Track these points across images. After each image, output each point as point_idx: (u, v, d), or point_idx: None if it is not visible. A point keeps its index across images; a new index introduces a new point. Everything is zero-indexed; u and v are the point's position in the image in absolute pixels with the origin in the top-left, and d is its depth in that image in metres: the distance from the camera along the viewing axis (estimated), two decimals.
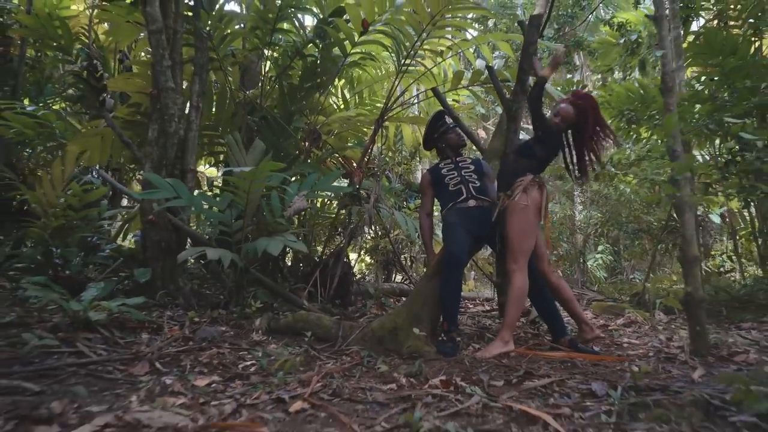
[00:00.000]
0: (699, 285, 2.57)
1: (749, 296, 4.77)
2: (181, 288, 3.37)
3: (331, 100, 6.02)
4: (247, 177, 3.07)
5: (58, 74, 6.60)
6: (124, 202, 7.36)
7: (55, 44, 4.82)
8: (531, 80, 3.57)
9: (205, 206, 3.44)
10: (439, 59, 4.46)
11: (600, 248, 10.26)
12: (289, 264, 5.08)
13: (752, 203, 5.14)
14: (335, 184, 3.89)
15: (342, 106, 5.89)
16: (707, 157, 5.96)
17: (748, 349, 2.46)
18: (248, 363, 2.31)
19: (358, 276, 7.34)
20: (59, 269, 3.53)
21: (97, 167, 5.61)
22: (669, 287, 5.74)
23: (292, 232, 3.39)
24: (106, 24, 6.18)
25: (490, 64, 3.83)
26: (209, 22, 4.35)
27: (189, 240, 3.77)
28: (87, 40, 6.06)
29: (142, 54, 5.84)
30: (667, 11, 6.02)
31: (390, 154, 7.38)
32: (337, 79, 5.80)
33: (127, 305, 2.64)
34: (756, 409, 1.41)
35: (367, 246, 8.19)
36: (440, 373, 2.15)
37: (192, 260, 4.51)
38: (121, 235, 4.78)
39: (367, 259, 8.87)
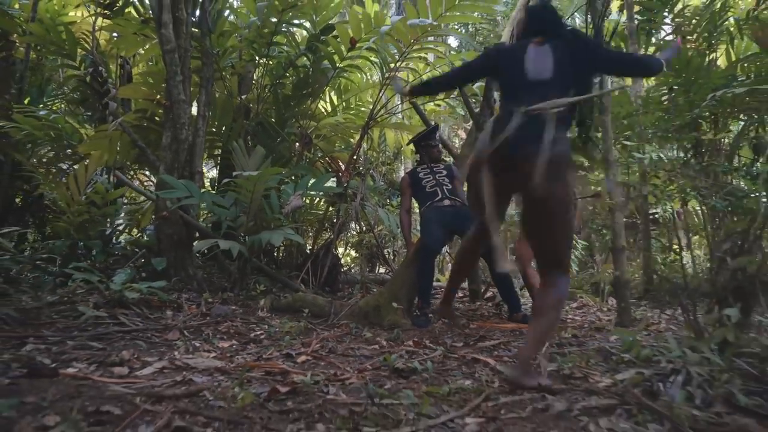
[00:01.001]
0: (625, 270, 3.16)
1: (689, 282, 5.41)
2: (192, 275, 3.88)
3: (320, 106, 6.54)
4: (253, 180, 3.59)
5: (57, 77, 6.98)
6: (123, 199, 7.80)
7: (59, 50, 5.23)
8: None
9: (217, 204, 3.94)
10: (417, 73, 5.01)
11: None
12: (282, 256, 5.58)
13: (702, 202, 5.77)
14: (327, 184, 4.40)
15: (330, 112, 6.40)
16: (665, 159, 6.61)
17: (660, 321, 3.05)
18: (258, 332, 2.84)
19: (345, 268, 7.88)
20: (82, 259, 4.01)
21: (112, 168, 6.07)
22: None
23: (289, 227, 3.92)
24: (107, 32, 6.61)
25: None
26: (210, 39, 4.84)
27: (197, 234, 4.27)
28: (89, 46, 6.46)
29: (143, 63, 6.28)
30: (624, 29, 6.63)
31: (375, 155, 7.92)
32: (326, 87, 6.33)
33: (153, 287, 3.15)
34: (635, 353, 1.98)
35: (353, 241, 8.74)
36: (414, 338, 2.70)
37: (197, 253, 5.01)
38: (128, 229, 5.26)
39: (353, 252, 9.42)
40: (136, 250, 4.24)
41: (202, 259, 4.57)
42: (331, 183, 5.38)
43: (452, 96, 4.98)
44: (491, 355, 2.30)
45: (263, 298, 3.46)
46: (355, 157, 5.13)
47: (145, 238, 4.70)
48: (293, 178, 4.88)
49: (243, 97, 5.53)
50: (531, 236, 2.06)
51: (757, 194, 4.49)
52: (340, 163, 5.60)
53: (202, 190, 4.51)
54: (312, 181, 4.13)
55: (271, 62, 5.62)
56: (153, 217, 4.43)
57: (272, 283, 4.09)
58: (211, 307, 3.26)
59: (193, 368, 1.97)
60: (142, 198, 5.55)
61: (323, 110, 6.45)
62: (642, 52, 7.26)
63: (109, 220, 4.78)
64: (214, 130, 5.27)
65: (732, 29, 6.39)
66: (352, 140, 6.09)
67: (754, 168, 4.66)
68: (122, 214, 4.62)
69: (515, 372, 1.79)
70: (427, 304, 3.27)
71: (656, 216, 7.51)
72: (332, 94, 6.43)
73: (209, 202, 3.85)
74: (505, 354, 2.30)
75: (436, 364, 2.13)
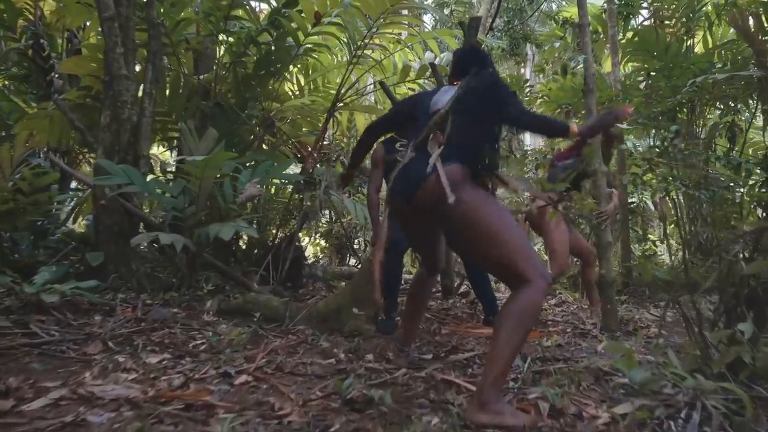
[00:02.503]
0: (611, 268, 2.88)
1: (672, 278, 5.21)
2: (134, 271, 3.46)
3: (286, 87, 6.11)
4: (199, 165, 3.18)
5: None
6: (73, 185, 7.25)
7: None
8: None
9: (159, 192, 3.52)
10: (388, 52, 4.63)
11: None
12: (244, 248, 5.18)
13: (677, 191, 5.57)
14: (288, 171, 4.01)
15: (297, 93, 5.98)
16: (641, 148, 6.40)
17: (650, 325, 2.79)
18: (198, 342, 2.46)
19: (313, 259, 7.51)
20: (8, 253, 3.55)
21: (46, 150, 5.54)
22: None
23: (243, 217, 3.53)
24: (52, 1, 6.04)
25: (434, 60, 4.04)
26: (161, 9, 4.37)
27: (142, 224, 3.85)
28: (32, 18, 5.87)
29: (93, 36, 5.74)
30: (596, 16, 6.37)
31: (345, 140, 7.53)
32: (292, 66, 5.89)
33: (80, 288, 2.74)
34: (632, 376, 1.68)
35: (323, 230, 8.36)
36: (377, 348, 2.37)
37: (145, 244, 4.57)
38: (71, 219, 4.78)
39: (323, 242, 9.05)
40: (73, 243, 3.79)
41: (150, 253, 4.14)
42: (293, 170, 5.00)
43: (426, 77, 4.61)
44: (464, 373, 1.98)
45: (210, 300, 3.08)
46: (322, 143, 4.74)
47: (80, 229, 4.24)
48: (253, 164, 4.49)
49: (202, 76, 5.08)
50: (471, 256, 2.00)
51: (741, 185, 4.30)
52: (309, 148, 5.20)
53: (150, 176, 4.09)
54: (270, 167, 3.74)
55: (230, 38, 5.17)
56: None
57: (225, 281, 3.71)
58: (149, 310, 2.87)
59: (99, 399, 1.60)
60: None
61: (290, 92, 6.03)
62: (620, 36, 7.04)
63: (55, 210, 4.32)
64: (166, 110, 4.79)
65: (710, 15, 6.20)
66: (319, 124, 5.70)
67: (731, 156, 4.46)
68: (69, 203, 4.14)
69: (469, 407, 1.49)
70: (394, 307, 2.94)
71: (632, 205, 7.32)
72: (300, 74, 6.02)
73: (153, 190, 3.43)
74: (480, 372, 1.98)
75: (399, 387, 1.80)
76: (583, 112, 5.52)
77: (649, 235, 8.44)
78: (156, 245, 4.32)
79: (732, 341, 1.62)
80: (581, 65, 8.53)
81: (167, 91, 4.82)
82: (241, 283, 3.55)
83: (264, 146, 5.36)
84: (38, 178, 3.56)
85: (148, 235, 3.11)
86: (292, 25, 4.72)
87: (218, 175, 3.62)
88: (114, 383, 1.77)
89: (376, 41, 4.69)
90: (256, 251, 4.96)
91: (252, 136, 5.19)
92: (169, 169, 5.05)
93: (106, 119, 3.69)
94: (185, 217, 3.58)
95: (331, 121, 4.69)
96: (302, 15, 4.58)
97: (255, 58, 5.06)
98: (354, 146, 2.59)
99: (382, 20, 4.18)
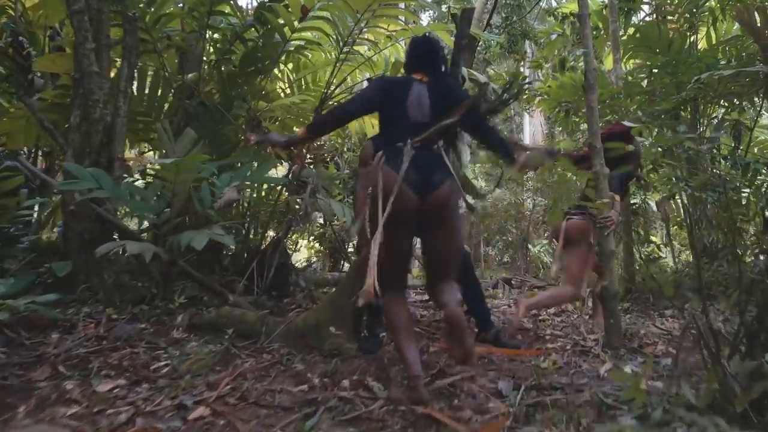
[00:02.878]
0: (614, 279, 2.65)
1: (676, 283, 5.00)
2: (106, 281, 3.24)
3: (278, 86, 5.89)
4: (171, 168, 2.96)
5: None
6: None
7: None
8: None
9: (131, 196, 3.30)
10: (378, 48, 4.41)
11: (548, 234, 10.52)
12: (231, 254, 4.97)
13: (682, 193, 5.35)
14: (274, 173, 3.79)
15: (288, 92, 5.75)
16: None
17: (657, 341, 2.57)
18: (161, 363, 2.25)
19: (305, 264, 7.29)
20: None
21: (23, 152, 5.33)
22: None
23: (224, 223, 3.31)
24: None
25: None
26: (141, 4, 4.15)
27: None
28: (13, 14, 5.66)
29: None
30: (596, 10, 6.14)
31: (339, 140, 7.31)
32: (283, 64, 5.67)
33: (37, 303, 2.51)
34: (639, 411, 1.46)
35: (316, 233, 8.14)
36: (356, 372, 2.15)
37: (120, 251, 4.37)
38: (48, 226, 4.57)
39: (317, 245, 8.82)
40: (42, 252, 3.57)
41: (126, 261, 3.92)
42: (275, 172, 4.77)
43: None
44: (449, 404, 1.76)
45: (182, 314, 2.86)
46: (311, 143, 4.52)
47: (54, 236, 4.02)
48: (239, 165, 4.27)
49: (189, 75, 4.86)
50: (446, 253, 2.09)
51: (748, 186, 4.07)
52: (304, 150, 4.98)
53: (129, 179, 3.88)
54: (251, 170, 3.52)
55: (215, 35, 4.95)
56: None
57: (202, 291, 3.49)
58: (114, 327, 2.65)
59: None
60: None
61: (281, 90, 5.81)
62: (621, 32, 6.82)
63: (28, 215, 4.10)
64: (145, 109, 4.57)
65: (715, 9, 5.99)
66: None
67: (738, 156, 4.25)
68: (28, 208, 3.91)
69: None
70: (378, 323, 2.71)
71: (634, 206, 7.08)
72: (291, 71, 5.79)
73: (124, 194, 3.22)
74: (467, 404, 1.75)
75: (373, 424, 1.58)
76: (584, 110, 5.32)
77: (652, 237, 8.23)
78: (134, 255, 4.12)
79: (756, 374, 1.40)
80: (582, 60, 8.34)
81: (146, 90, 4.60)
82: (218, 293, 3.33)
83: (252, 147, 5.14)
84: (2, 182, 3.35)
85: (114, 244, 2.90)
86: (279, 20, 4.50)
87: (195, 179, 3.42)
88: (50, 420, 1.55)
89: (370, 37, 4.47)
90: (246, 256, 4.74)
91: (238, 137, 4.97)
92: (147, 171, 4.82)
93: (75, 119, 3.47)
94: (160, 223, 3.37)
95: None
96: (288, 9, 4.36)
97: (241, 55, 4.85)
98: (319, 121, 2.51)
99: (371, 14, 3.96)
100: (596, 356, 2.41)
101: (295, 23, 4.42)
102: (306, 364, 2.26)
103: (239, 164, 4.15)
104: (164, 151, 3.45)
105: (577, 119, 5.41)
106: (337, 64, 4.44)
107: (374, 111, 2.28)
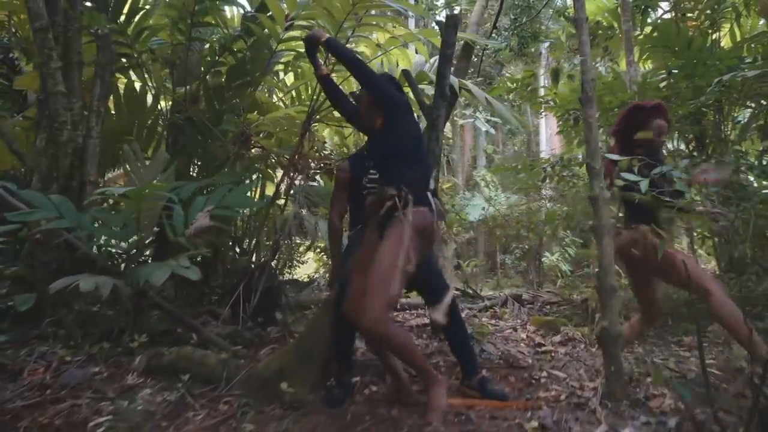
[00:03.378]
0: (616, 318, 2.34)
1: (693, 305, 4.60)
2: (67, 316, 3.05)
3: (275, 97, 5.70)
4: (133, 196, 2.76)
5: None
6: None
7: None
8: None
9: (96, 224, 3.10)
10: (367, 57, 4.15)
11: (566, 240, 10.09)
12: (223, 274, 4.76)
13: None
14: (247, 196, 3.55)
15: (288, 103, 5.55)
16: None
17: (665, 392, 2.24)
18: (102, 419, 2.02)
19: (307, 280, 7.07)
20: None
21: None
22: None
23: (192, 253, 3.09)
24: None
25: (424, 65, 3.56)
26: (120, 20, 3.99)
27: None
28: (10, 30, 5.59)
29: None
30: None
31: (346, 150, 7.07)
32: (283, 74, 5.47)
33: None
34: None
35: (322, 245, 7.90)
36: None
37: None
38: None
39: (325, 257, 8.60)
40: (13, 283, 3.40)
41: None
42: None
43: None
44: None
45: (141, 355, 2.64)
46: (299, 158, 4.29)
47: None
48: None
49: (181, 90, 4.69)
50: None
51: None
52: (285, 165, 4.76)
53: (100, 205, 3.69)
54: (227, 193, 3.30)
55: (205, 46, 4.77)
56: None
57: (174, 324, 3.26)
58: (65, 371, 2.45)
59: None
60: None
61: (282, 102, 5.61)
62: (637, 32, 6.45)
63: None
64: (124, 128, 4.39)
65: (738, 5, 5.58)
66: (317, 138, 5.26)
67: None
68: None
69: None
70: (347, 370, 2.43)
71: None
72: (295, 83, 5.58)
73: (88, 222, 3.01)
74: None
75: None
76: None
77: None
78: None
79: None
80: (613, 64, 7.92)
81: (131, 108, 4.43)
82: (189, 327, 3.10)
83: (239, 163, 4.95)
84: None
85: (67, 280, 2.68)
86: (264, 31, 4.29)
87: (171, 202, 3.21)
88: None
89: (361, 46, 4.23)
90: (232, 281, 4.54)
91: (228, 153, 4.77)
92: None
93: (41, 142, 3.31)
94: (129, 252, 3.17)
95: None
96: (273, 20, 4.14)
97: (228, 67, 4.65)
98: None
99: (356, 22, 3.71)
100: (593, 411, 2.10)
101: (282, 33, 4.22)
102: (256, 423, 2.01)
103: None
104: (133, 175, 3.24)
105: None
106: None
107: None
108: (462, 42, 4.15)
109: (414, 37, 3.74)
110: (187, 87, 4.68)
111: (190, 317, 3.34)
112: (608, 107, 4.90)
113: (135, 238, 3.19)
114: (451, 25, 2.81)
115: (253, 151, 4.80)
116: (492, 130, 9.94)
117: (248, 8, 4.64)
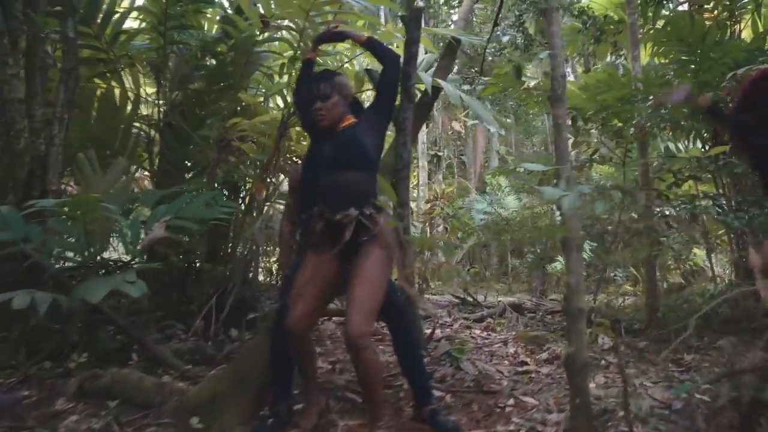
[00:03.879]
0: (583, 345, 2.07)
1: (712, 311, 4.24)
2: (12, 333, 2.93)
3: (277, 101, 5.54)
4: (71, 206, 2.62)
5: None
6: None
7: None
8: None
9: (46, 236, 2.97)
10: (344, 57, 3.96)
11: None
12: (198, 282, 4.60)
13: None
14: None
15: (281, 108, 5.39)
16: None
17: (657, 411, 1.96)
18: None
19: None
20: None
21: None
22: (619, 304, 5.24)
23: (140, 267, 2.94)
24: None
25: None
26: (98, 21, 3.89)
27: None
28: None
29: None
30: None
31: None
32: (278, 77, 5.32)
33: None
34: None
35: None
36: None
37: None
38: None
39: None
40: None
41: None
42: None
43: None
44: None
45: (74, 377, 2.48)
46: (275, 165, 4.11)
47: None
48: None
49: (167, 92, 4.57)
50: None
51: None
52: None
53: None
54: (186, 203, 3.14)
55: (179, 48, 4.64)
56: None
57: (129, 341, 3.11)
58: None
59: None
60: None
61: (278, 106, 5.45)
62: (649, 27, 6.07)
63: None
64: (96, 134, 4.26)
65: None
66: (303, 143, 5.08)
67: None
68: None
69: None
70: (284, 398, 2.22)
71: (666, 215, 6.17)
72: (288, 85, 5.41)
73: (36, 234, 2.88)
74: None
75: None
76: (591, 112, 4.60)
77: (696, 251, 7.31)
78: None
79: None
80: (623, 60, 7.51)
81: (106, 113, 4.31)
82: (141, 344, 2.95)
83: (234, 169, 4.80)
84: None
85: (5, 295, 2.55)
86: (242, 34, 4.15)
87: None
88: None
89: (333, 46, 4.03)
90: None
91: (209, 160, 4.62)
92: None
93: None
94: (84, 264, 3.04)
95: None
96: (248, 22, 3.98)
97: (207, 71, 4.51)
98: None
99: (329, 18, 3.52)
100: None
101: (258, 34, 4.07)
102: None
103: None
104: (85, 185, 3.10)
105: (587, 127, 4.74)
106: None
107: None
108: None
109: (391, 35, 3.52)
110: (167, 91, 4.57)
111: (154, 330, 3.21)
112: (609, 104, 4.56)
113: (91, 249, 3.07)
114: (413, 20, 2.59)
115: (231, 157, 4.63)
116: (501, 131, 9.62)
117: (229, 11, 4.51)
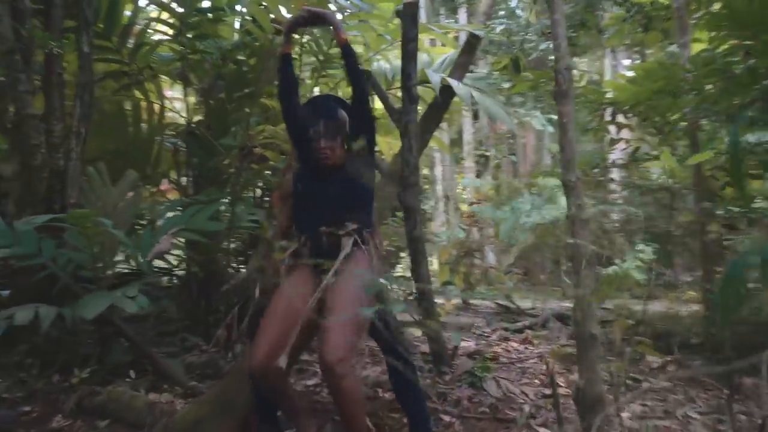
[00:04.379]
0: (598, 377, 1.82)
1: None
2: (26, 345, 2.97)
3: None
4: (72, 220, 2.62)
5: None
6: None
7: None
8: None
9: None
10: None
11: (640, 246, 9.08)
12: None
13: None
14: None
15: None
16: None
17: None
18: None
19: None
20: None
21: None
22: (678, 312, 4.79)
23: (149, 281, 2.91)
24: None
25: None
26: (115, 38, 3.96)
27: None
28: None
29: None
30: None
31: None
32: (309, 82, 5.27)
33: None
34: None
35: None
36: None
37: None
38: None
39: None
40: None
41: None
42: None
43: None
44: None
45: (74, 394, 2.47)
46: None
47: None
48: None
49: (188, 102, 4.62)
50: None
51: None
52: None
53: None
54: (194, 214, 3.10)
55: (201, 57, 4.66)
56: None
57: (137, 355, 3.09)
58: None
59: None
60: None
61: None
62: (703, 11, 5.55)
63: None
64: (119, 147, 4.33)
65: None
66: None
67: None
68: None
69: None
70: (270, 422, 2.08)
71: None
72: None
73: (49, 248, 2.92)
74: None
75: None
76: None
77: None
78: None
79: None
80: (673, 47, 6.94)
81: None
82: (149, 358, 2.92)
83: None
84: None
85: (4, 313, 2.57)
86: (257, 43, 4.12)
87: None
88: None
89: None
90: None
91: (232, 168, 4.61)
92: None
93: (15, 168, 3.27)
94: (97, 276, 3.05)
95: None
96: (260, 27, 3.93)
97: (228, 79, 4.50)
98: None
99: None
100: None
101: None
102: None
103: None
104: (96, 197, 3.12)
105: (629, 122, 4.35)
106: (319, 80, 3.93)
107: None
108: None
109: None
110: (188, 101, 4.60)
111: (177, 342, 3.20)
112: (659, 93, 4.12)
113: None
114: (408, 16, 2.40)
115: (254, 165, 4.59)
116: (550, 128, 9.20)
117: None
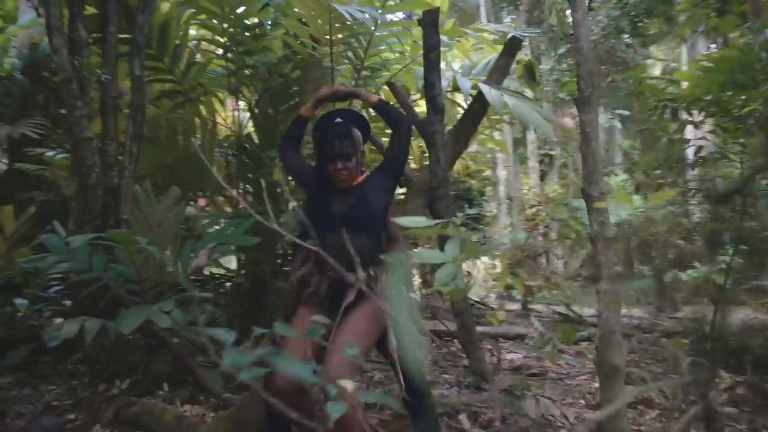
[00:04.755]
0: (622, 410, 1.66)
1: None
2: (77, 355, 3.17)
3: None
4: (115, 236, 2.76)
5: None
6: None
7: None
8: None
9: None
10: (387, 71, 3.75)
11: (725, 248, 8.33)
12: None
13: None
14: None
15: None
16: None
17: None
18: None
19: None
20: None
21: None
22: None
23: (190, 294, 3.01)
24: None
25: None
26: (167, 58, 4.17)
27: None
28: None
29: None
30: None
31: None
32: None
33: None
34: None
35: None
36: None
37: None
38: None
39: None
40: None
41: None
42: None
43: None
44: None
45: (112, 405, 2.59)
46: None
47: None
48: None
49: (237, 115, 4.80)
50: None
51: None
52: None
53: None
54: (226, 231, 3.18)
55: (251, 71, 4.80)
56: None
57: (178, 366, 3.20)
58: (40, 417, 2.49)
59: None
60: None
61: None
62: None
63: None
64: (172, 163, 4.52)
65: None
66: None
67: None
68: None
69: None
70: None
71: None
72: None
73: (99, 263, 3.09)
74: None
75: None
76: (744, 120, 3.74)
77: None
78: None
79: None
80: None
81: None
82: (187, 369, 3.01)
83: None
84: None
85: (56, 326, 2.75)
86: (298, 56, 4.19)
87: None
88: None
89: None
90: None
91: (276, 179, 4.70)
92: None
93: (73, 187, 3.50)
94: (141, 290, 3.20)
95: None
96: (300, 41, 3.98)
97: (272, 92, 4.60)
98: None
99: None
100: None
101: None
102: None
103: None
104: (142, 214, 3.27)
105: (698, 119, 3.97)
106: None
107: None
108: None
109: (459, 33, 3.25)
110: (237, 114, 4.75)
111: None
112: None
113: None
114: (428, 23, 2.32)
115: None
116: (618, 125, 8.69)
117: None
